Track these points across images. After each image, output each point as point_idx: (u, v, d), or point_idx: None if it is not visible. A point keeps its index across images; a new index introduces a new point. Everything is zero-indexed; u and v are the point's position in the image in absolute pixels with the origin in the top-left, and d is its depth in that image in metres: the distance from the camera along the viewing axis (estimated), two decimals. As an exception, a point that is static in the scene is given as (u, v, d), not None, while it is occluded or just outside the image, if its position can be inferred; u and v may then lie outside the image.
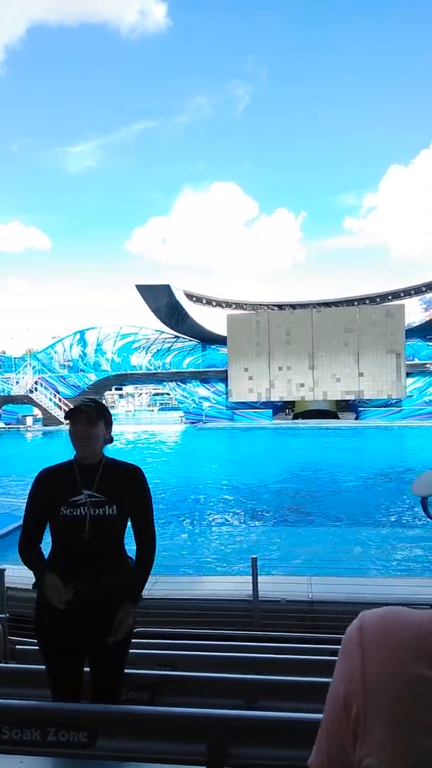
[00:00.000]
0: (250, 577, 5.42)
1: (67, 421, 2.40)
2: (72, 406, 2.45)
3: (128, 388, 50.99)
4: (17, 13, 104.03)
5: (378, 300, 39.16)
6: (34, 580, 2.37)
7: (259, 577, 5.40)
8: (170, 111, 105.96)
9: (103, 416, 2.41)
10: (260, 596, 5.33)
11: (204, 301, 39.65)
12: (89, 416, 2.36)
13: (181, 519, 12.55)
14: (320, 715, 0.71)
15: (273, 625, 5.10)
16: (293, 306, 39.58)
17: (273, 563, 8.05)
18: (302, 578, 6.02)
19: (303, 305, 39.21)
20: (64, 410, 34.01)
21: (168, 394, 43.16)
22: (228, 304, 40.58)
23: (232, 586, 5.79)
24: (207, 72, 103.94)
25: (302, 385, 36.15)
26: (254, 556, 5.51)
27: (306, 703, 2.52)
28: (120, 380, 42.82)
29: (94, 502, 2.29)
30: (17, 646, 4.33)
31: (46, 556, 2.37)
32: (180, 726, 1.92)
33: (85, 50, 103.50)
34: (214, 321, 37.92)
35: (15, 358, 42.40)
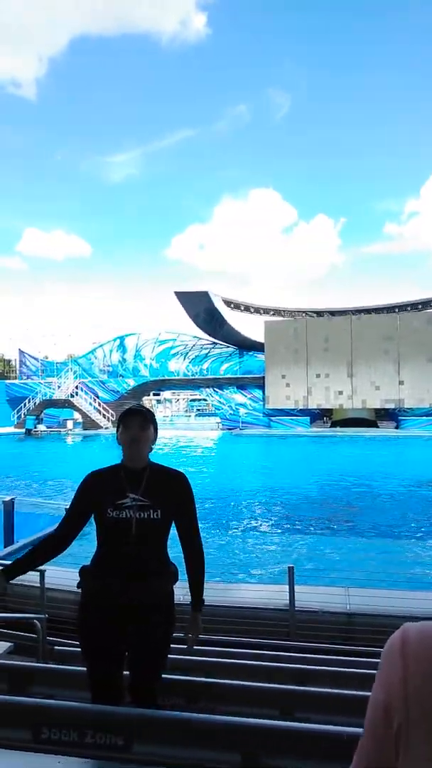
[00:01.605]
0: (287, 586, 5.38)
1: (108, 425, 2.44)
2: (125, 410, 2.49)
3: (166, 394, 51.44)
4: (60, 27, 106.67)
5: (420, 306, 38.44)
6: (76, 581, 2.42)
7: (296, 587, 5.35)
8: (210, 119, 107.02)
9: (153, 422, 2.47)
10: (297, 606, 5.28)
11: (242, 308, 39.72)
12: (143, 420, 2.41)
13: (217, 525, 12.55)
14: (357, 729, 0.71)
15: (310, 636, 5.04)
16: (332, 313, 39.26)
17: (310, 573, 7.96)
18: (340, 589, 5.93)
19: (342, 312, 38.84)
20: (104, 414, 34.16)
21: (205, 400, 43.30)
22: (266, 311, 40.54)
23: (268, 594, 5.75)
24: (246, 80, 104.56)
25: (340, 392, 35.76)
26: (291, 565, 5.46)
27: (342, 717, 2.49)
28: (158, 386, 43.24)
29: (139, 505, 2.32)
30: (56, 647, 4.40)
31: (92, 558, 2.42)
32: (215, 734, 1.92)
33: (126, 61, 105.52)
34: (251, 327, 37.95)
35: (57, 363, 43.34)
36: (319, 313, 39.99)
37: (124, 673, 2.41)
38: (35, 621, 4.69)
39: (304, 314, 40.05)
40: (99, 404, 39.29)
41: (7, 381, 44.56)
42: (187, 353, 40.25)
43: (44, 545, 2.47)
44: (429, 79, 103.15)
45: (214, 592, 5.89)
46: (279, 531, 12.59)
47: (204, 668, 3.32)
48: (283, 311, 40.97)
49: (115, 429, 2.51)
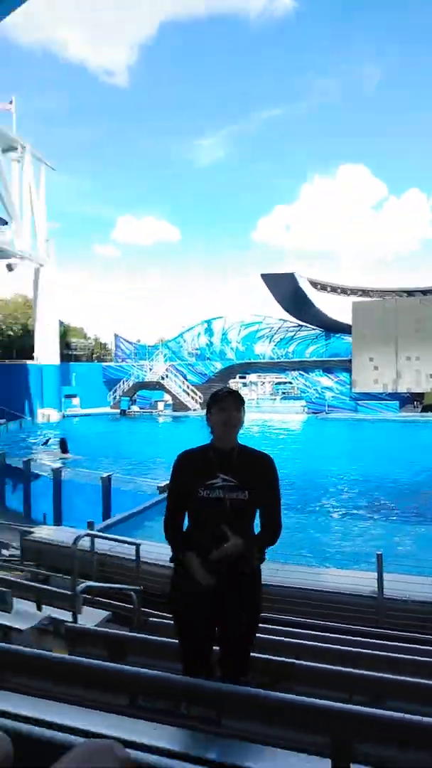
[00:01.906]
0: (375, 573, 5.30)
1: (196, 407, 2.47)
2: (217, 391, 2.52)
3: (252, 377, 51.49)
4: (150, 14, 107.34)
5: None
6: (169, 555, 2.52)
7: (384, 574, 5.25)
8: (297, 96, 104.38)
9: (243, 405, 2.51)
10: (385, 594, 5.19)
11: (329, 289, 38.82)
12: (236, 402, 2.46)
13: (304, 509, 12.51)
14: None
15: (398, 624, 4.94)
16: (424, 292, 37.43)
17: (399, 560, 7.77)
18: (430, 579, 5.76)
19: (436, 291, 36.95)
20: (192, 397, 34.82)
21: (290, 383, 42.92)
22: (353, 291, 39.37)
23: (355, 580, 5.68)
24: (335, 54, 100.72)
25: (433, 375, 34.20)
26: (379, 552, 5.37)
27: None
28: (244, 369, 43.38)
29: (229, 486, 2.37)
30: (150, 619, 4.60)
31: (183, 534, 2.50)
32: (306, 715, 1.94)
33: (214, 41, 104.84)
34: (339, 309, 37.11)
35: (148, 347, 44.60)
36: (410, 293, 38.26)
37: (214, 648, 2.49)
38: (131, 593, 4.94)
39: (394, 294, 38.50)
40: (188, 386, 40.09)
41: (104, 364, 46.40)
42: (273, 336, 40.02)
43: (173, 534, 2.47)
44: None
45: (303, 575, 5.91)
46: (367, 517, 12.35)
47: (292, 649, 3.36)
48: (372, 291, 39.59)
49: (206, 410, 2.55)
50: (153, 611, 4.83)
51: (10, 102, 35.49)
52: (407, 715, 1.76)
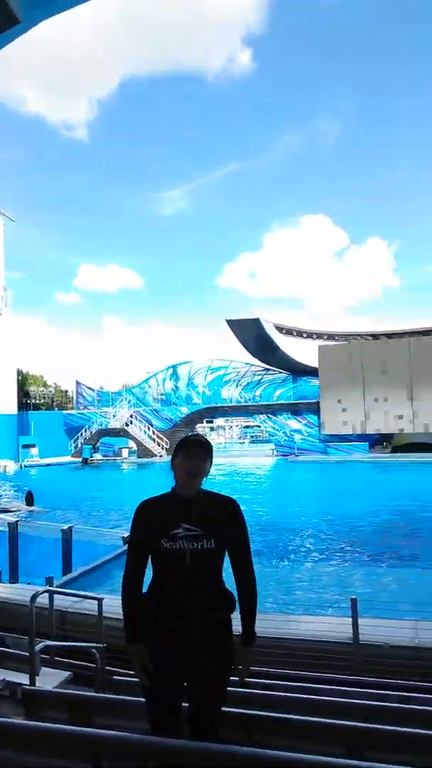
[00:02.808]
0: (350, 619, 5.18)
1: (162, 453, 2.42)
2: (186, 438, 2.46)
3: (219, 421, 51.54)
4: (109, 70, 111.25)
5: None
6: None
7: (359, 619, 5.14)
8: (258, 151, 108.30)
9: (211, 454, 2.44)
10: (361, 639, 5.06)
11: (294, 333, 39.56)
12: (204, 452, 2.39)
13: (274, 555, 12.29)
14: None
15: (375, 670, 4.81)
16: (388, 335, 38.48)
17: (374, 605, 7.64)
18: (407, 622, 5.66)
19: (399, 334, 38.03)
20: (158, 443, 34.45)
21: (259, 426, 43.02)
22: (319, 335, 40.22)
23: (330, 627, 5.54)
24: (294, 110, 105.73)
25: (401, 417, 34.75)
26: (354, 597, 5.26)
27: (413, 756, 2.33)
28: (211, 413, 43.37)
29: (193, 535, 2.28)
30: (115, 677, 4.36)
31: (147, 587, 2.38)
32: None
33: (174, 99, 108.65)
34: (305, 353, 37.68)
35: (112, 393, 44.29)
36: (375, 336, 39.29)
37: (183, 705, 2.35)
38: (94, 650, 4.68)
39: (359, 338, 39.46)
40: (153, 432, 39.73)
41: (65, 411, 45.79)
42: (240, 380, 40.30)
43: (130, 593, 2.38)
44: None
45: (275, 624, 5.73)
46: (339, 561, 12.20)
47: (265, 701, 3.20)
48: (337, 335, 40.51)
49: (172, 455, 2.48)
50: (118, 669, 4.58)
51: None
52: (383, 765, 1.66)
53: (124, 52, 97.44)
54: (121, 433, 39.82)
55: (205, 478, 2.42)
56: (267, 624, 5.64)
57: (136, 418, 40.41)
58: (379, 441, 36.70)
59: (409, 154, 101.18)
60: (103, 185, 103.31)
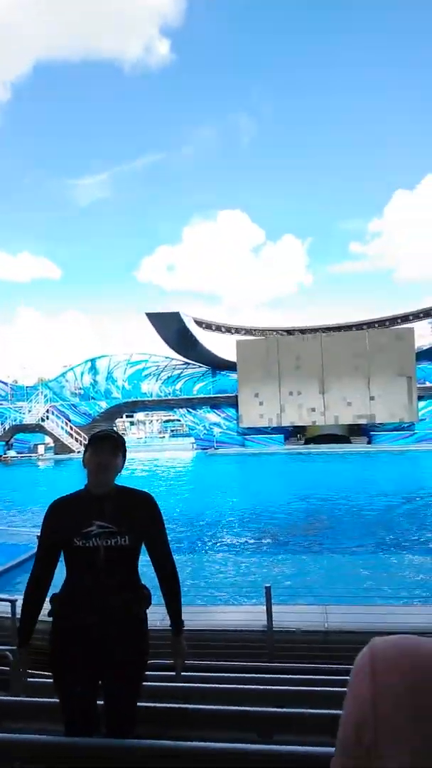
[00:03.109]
0: (264, 607, 5.34)
1: (80, 449, 2.42)
2: (95, 434, 2.45)
3: (139, 415, 51.13)
4: (24, 52, 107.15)
5: (387, 324, 39.20)
6: (48, 609, 2.37)
7: (273, 607, 5.31)
8: (177, 143, 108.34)
9: (123, 448, 2.42)
10: (275, 626, 5.24)
11: (213, 328, 39.91)
12: (113, 446, 2.37)
13: (191, 547, 12.43)
14: (333, 749, 0.70)
15: (288, 656, 5.00)
16: (302, 331, 39.70)
17: (288, 592, 7.92)
18: (317, 607, 5.92)
19: (312, 330, 39.31)
20: (76, 438, 33.56)
21: (179, 420, 43.10)
22: (237, 330, 40.81)
23: (246, 616, 5.70)
24: (212, 104, 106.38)
25: (313, 409, 36.04)
26: (268, 585, 5.43)
27: (321, 737, 2.47)
28: (131, 407, 42.94)
29: (106, 532, 2.28)
30: (29, 679, 4.26)
31: (61, 586, 2.37)
32: (196, 760, 1.89)
33: (91, 85, 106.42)
34: (223, 347, 38.10)
35: (27, 387, 42.74)
36: (290, 332, 40.40)
37: (98, 702, 2.36)
38: (7, 653, 4.55)
39: (275, 333, 40.42)
40: (71, 428, 38.77)
41: (-25, 407, 43.71)
42: (160, 374, 40.16)
43: (31, 594, 2.38)
44: (390, 103, 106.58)
45: (192, 616, 5.79)
46: (256, 550, 12.52)
47: (181, 694, 3.27)
48: (255, 330, 41.29)
49: (83, 452, 2.46)
50: (33, 671, 4.48)
51: None
52: (290, 747, 1.76)
53: (40, 37, 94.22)
54: (36, 428, 38.53)
55: (119, 473, 2.41)
56: (185, 617, 5.71)
57: (52, 413, 39.26)
58: (293, 433, 37.83)
59: (317, 157, 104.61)
60: (18, 171, 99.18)
